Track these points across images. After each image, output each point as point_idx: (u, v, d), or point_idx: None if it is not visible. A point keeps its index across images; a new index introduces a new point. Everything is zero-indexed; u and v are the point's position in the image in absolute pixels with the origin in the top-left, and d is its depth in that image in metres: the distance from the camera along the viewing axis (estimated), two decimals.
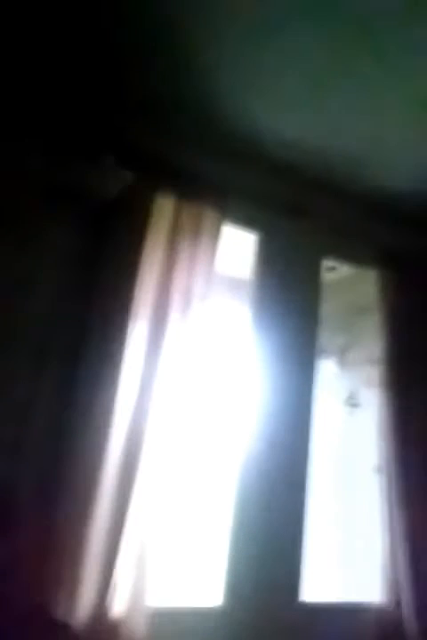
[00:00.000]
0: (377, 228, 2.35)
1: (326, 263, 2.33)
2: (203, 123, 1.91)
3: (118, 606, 1.54)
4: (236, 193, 1.97)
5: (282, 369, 2.03)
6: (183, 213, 1.85)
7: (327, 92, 1.66)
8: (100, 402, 1.62)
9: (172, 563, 2.13)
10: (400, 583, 1.97)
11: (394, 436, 2.07)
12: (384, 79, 1.57)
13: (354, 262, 2.39)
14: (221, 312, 2.39)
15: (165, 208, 1.84)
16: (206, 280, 1.84)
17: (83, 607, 1.49)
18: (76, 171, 1.78)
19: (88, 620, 1.49)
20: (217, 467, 2.32)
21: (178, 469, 1.73)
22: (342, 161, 2.03)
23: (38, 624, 1.45)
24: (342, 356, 2.63)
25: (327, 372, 2.64)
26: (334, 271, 2.55)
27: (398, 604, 1.97)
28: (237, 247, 2.17)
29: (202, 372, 1.83)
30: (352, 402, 2.52)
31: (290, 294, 2.10)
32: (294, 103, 1.74)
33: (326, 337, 2.54)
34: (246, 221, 2.09)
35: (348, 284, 2.63)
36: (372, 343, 2.33)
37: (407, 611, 1.93)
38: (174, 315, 1.76)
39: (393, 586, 1.98)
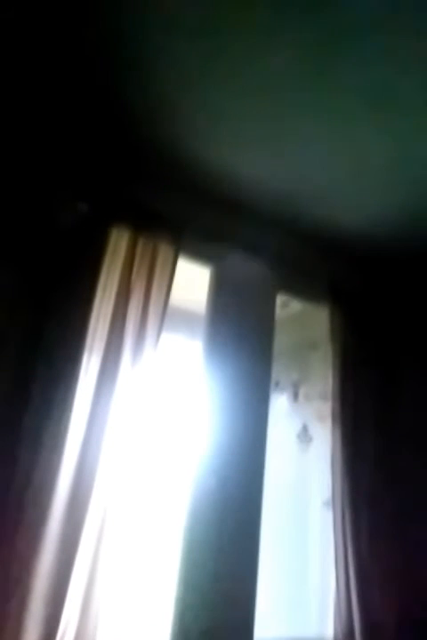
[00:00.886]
0: (328, 264, 2.43)
1: (280, 298, 2.37)
2: (159, 158, 1.93)
3: None
4: (191, 227, 1.99)
5: (235, 403, 2.03)
6: (138, 247, 1.86)
7: (281, 133, 1.72)
8: (49, 438, 1.57)
9: (120, 604, 2.05)
10: (352, 616, 1.96)
11: (344, 470, 2.10)
12: (336, 124, 1.64)
13: (306, 298, 2.45)
14: (175, 346, 2.38)
15: (120, 241, 1.84)
16: (160, 314, 1.83)
17: None
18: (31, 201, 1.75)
19: None
20: (168, 503, 2.27)
21: (128, 507, 1.69)
22: (294, 199, 2.09)
23: None
24: (295, 390, 2.65)
25: (280, 406, 2.66)
26: (288, 307, 2.59)
27: (350, 636, 1.96)
28: (191, 281, 2.18)
29: (154, 407, 1.81)
30: (305, 436, 2.54)
31: (244, 329, 2.12)
32: (249, 143, 1.79)
33: (279, 372, 2.58)
34: (201, 256, 2.11)
35: (301, 319, 2.68)
36: (324, 378, 2.38)
37: None
38: (127, 348, 1.74)
39: (345, 619, 1.98)
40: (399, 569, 2.07)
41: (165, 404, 2.29)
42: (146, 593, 2.17)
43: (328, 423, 2.22)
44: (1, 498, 1.50)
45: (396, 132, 1.64)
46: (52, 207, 1.76)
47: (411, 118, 1.57)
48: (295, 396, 2.65)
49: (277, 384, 2.68)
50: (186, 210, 2.04)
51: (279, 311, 2.38)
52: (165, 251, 1.90)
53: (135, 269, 1.83)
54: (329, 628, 2.02)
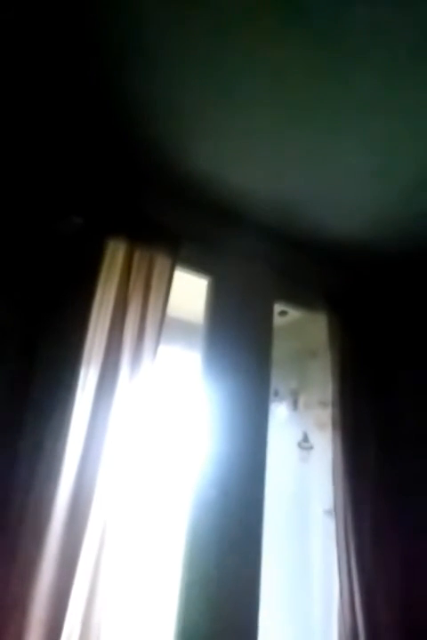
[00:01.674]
0: (325, 272, 2.43)
1: (278, 307, 2.37)
2: (156, 168, 1.93)
3: None
4: (188, 238, 1.99)
5: (235, 413, 2.02)
6: (135, 258, 1.85)
7: (278, 142, 1.73)
8: (48, 451, 1.55)
9: (122, 615, 2.04)
10: (356, 624, 1.94)
11: (345, 477, 2.08)
12: (333, 130, 1.64)
13: (304, 306, 2.45)
14: (174, 357, 2.37)
15: (116, 252, 1.83)
16: (158, 325, 1.83)
17: None
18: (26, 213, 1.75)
19: None
20: (169, 514, 2.26)
21: (129, 519, 1.68)
22: (290, 209, 2.10)
23: None
24: (295, 398, 2.65)
25: (280, 415, 2.66)
26: (286, 315, 2.60)
27: None
28: (188, 292, 2.18)
29: (153, 418, 1.80)
30: (305, 445, 2.53)
31: (242, 338, 2.11)
32: (245, 154, 1.80)
33: (278, 380, 2.57)
34: (198, 266, 2.11)
35: (299, 327, 2.69)
36: (323, 386, 2.37)
37: None
38: (125, 360, 1.74)
39: (349, 627, 1.96)
40: (403, 576, 2.06)
41: (163, 416, 2.28)
42: (148, 604, 2.16)
43: (328, 431, 2.21)
44: (0, 512, 1.49)
45: (385, 142, 1.66)
46: (47, 220, 1.76)
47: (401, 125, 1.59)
48: (295, 404, 2.64)
49: (276, 393, 2.67)
50: (182, 220, 2.04)
51: (277, 320, 2.38)
52: (161, 262, 1.90)
53: (132, 281, 1.83)
54: (333, 637, 2.00)
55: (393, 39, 1.30)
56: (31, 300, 1.70)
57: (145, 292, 1.84)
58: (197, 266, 2.11)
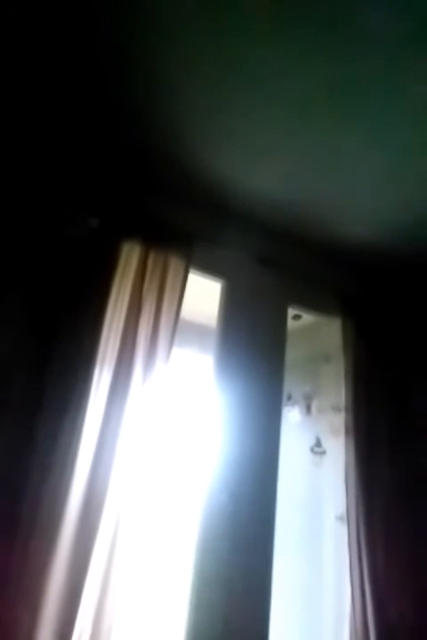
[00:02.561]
0: (339, 276, 2.41)
1: (292, 311, 2.36)
2: (170, 170, 1.93)
3: None
4: (202, 240, 2.00)
5: (247, 417, 2.01)
6: (149, 261, 1.86)
7: (291, 146, 1.72)
8: (60, 453, 1.56)
9: (133, 617, 2.04)
10: (368, 631, 1.92)
11: (358, 483, 2.07)
12: (348, 134, 1.64)
13: (318, 310, 2.43)
14: (187, 360, 2.37)
15: (131, 255, 1.84)
16: (172, 328, 1.83)
17: None
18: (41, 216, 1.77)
19: None
20: (180, 518, 2.25)
21: (140, 522, 1.68)
22: (304, 212, 2.09)
23: None
24: (308, 403, 2.63)
25: (293, 419, 2.64)
26: (299, 319, 2.58)
27: None
28: (202, 295, 2.18)
29: (166, 421, 1.80)
30: (318, 449, 2.51)
31: (255, 342, 2.11)
32: (260, 156, 1.79)
33: (291, 384, 2.56)
34: (212, 269, 2.11)
35: (313, 331, 2.67)
36: (336, 390, 2.35)
37: None
38: (139, 363, 1.74)
39: (361, 634, 1.94)
40: (416, 583, 2.03)
41: (176, 419, 2.28)
42: (158, 607, 2.16)
43: (342, 436, 2.20)
44: (13, 512, 1.50)
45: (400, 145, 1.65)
46: (62, 222, 1.77)
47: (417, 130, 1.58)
48: (308, 408, 2.63)
49: (289, 397, 2.66)
50: (197, 223, 2.05)
51: (291, 323, 2.37)
52: (175, 264, 1.90)
53: (146, 283, 1.84)
54: None
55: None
56: (47, 301, 1.71)
57: (159, 293, 1.84)
58: (210, 269, 2.11)
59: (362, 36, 1.28)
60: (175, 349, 1.83)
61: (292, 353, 2.27)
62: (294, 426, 2.64)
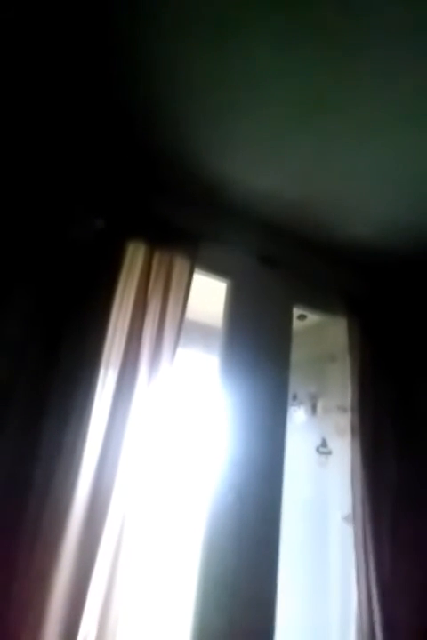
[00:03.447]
0: (345, 277, 2.41)
1: (297, 311, 2.36)
2: (175, 171, 1.94)
3: None
4: (207, 241, 2.00)
5: (253, 417, 2.01)
6: (154, 261, 1.86)
7: (296, 146, 1.72)
8: (66, 453, 1.56)
9: (139, 616, 2.04)
10: (374, 631, 1.91)
11: (365, 484, 2.06)
12: (353, 135, 1.63)
13: (324, 310, 2.43)
14: (192, 360, 2.37)
15: (136, 255, 1.84)
16: (177, 328, 1.83)
17: None
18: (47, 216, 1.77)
19: None
20: (186, 518, 2.25)
21: (146, 521, 1.68)
22: (309, 212, 2.09)
23: None
24: (314, 403, 2.62)
25: (299, 419, 2.64)
26: (305, 319, 2.58)
27: None
28: (207, 295, 2.18)
29: (171, 421, 1.80)
30: (324, 450, 2.51)
31: (261, 342, 2.10)
32: (265, 157, 1.79)
33: (296, 384, 2.55)
34: (217, 269, 2.11)
35: (318, 331, 2.66)
36: (342, 390, 2.35)
37: None
38: (144, 363, 1.74)
39: (367, 634, 1.93)
40: (423, 584, 2.02)
41: (181, 419, 2.28)
42: (164, 607, 2.16)
43: (348, 436, 2.19)
44: (18, 511, 1.50)
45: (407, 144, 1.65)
46: (68, 222, 1.78)
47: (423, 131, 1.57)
48: (314, 408, 2.62)
49: (294, 397, 2.65)
50: (202, 223, 2.05)
51: (296, 323, 2.36)
52: (181, 264, 1.90)
53: (151, 283, 1.84)
54: None
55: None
56: (52, 301, 1.72)
57: (164, 293, 1.85)
58: (216, 269, 2.11)
59: (362, 36, 1.28)
60: (180, 349, 1.83)
61: (297, 353, 2.27)
62: (300, 426, 2.63)
